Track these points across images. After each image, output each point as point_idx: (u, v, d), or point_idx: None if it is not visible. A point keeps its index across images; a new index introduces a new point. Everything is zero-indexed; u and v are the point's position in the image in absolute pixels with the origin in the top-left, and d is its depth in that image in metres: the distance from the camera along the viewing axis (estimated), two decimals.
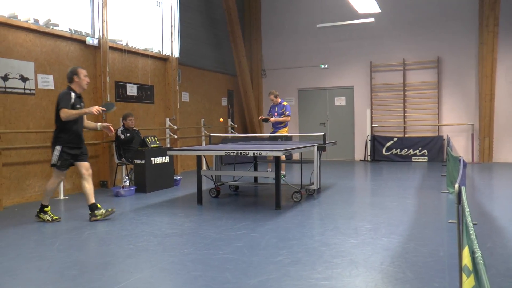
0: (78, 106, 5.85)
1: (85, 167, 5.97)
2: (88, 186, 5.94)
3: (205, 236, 4.95)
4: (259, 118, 10.05)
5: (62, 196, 7.92)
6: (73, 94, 5.85)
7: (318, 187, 7.62)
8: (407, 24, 13.63)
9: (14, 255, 4.40)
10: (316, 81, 14.96)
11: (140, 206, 6.95)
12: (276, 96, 9.87)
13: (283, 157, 9.21)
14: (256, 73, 15.47)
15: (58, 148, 5.77)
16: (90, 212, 5.92)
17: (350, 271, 3.70)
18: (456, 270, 3.36)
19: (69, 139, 5.82)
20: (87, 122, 6.23)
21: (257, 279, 3.54)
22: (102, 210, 5.93)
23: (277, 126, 9.80)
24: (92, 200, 5.93)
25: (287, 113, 9.72)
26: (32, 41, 7.67)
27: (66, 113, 5.66)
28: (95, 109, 5.72)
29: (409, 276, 3.55)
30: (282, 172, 9.62)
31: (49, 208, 5.98)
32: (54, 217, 5.92)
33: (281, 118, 9.70)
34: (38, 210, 5.98)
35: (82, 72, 6.00)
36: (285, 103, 9.87)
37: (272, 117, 9.83)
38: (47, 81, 7.90)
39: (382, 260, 3.97)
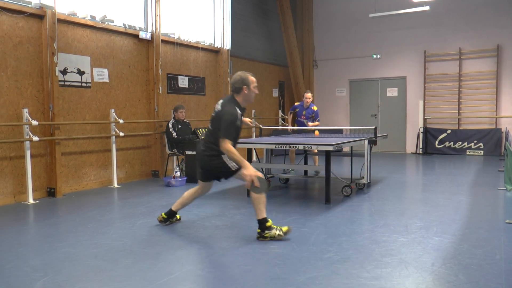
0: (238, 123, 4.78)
1: None
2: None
3: (255, 230, 4.96)
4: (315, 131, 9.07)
5: (115, 185, 8.22)
6: (238, 111, 4.72)
7: (369, 181, 7.53)
8: (464, 11, 13.09)
9: (73, 242, 4.62)
10: (368, 72, 14.68)
11: None
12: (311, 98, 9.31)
13: (315, 150, 8.85)
14: (308, 64, 15.35)
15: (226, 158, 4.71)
16: None
17: (399, 271, 3.64)
18: None
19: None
20: None
21: (306, 276, 3.55)
22: None
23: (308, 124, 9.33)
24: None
25: (318, 119, 9.32)
26: (89, 37, 7.94)
27: (229, 150, 4.57)
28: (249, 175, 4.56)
29: (462, 279, 3.45)
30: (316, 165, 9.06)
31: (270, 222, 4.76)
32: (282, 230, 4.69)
33: (316, 124, 9.22)
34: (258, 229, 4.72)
35: (253, 82, 4.88)
36: (315, 108, 9.29)
37: (298, 117, 9.35)
38: (102, 75, 8.17)
39: (433, 260, 3.88)
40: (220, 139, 4.57)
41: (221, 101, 4.91)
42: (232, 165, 4.66)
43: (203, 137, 4.91)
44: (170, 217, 5.27)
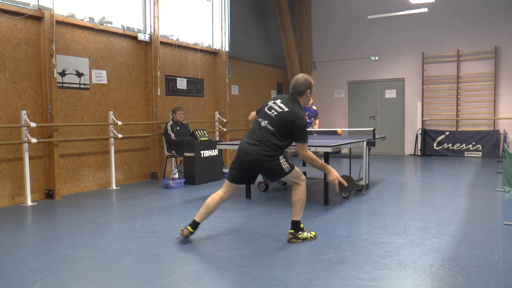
0: None
1: None
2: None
3: (253, 231, 4.99)
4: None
5: (114, 187, 8.21)
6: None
7: (367, 182, 7.54)
8: (462, 13, 13.11)
9: (71, 243, 4.61)
10: (366, 74, 14.69)
11: (189, 198, 7.10)
12: None
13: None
14: (306, 65, 15.36)
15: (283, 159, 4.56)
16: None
17: (398, 273, 3.64)
18: None
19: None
20: None
21: (304, 277, 3.55)
22: None
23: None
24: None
25: (318, 116, 10.42)
26: (87, 38, 7.94)
27: (312, 157, 4.58)
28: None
29: (460, 281, 3.45)
30: None
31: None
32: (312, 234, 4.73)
33: (317, 125, 10.31)
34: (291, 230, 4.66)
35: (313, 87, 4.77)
36: (314, 107, 10.19)
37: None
38: (100, 76, 8.17)
39: (432, 262, 3.88)
40: (298, 145, 4.47)
41: (278, 100, 4.61)
42: (286, 166, 4.52)
43: (253, 136, 4.54)
44: (195, 229, 4.72)
